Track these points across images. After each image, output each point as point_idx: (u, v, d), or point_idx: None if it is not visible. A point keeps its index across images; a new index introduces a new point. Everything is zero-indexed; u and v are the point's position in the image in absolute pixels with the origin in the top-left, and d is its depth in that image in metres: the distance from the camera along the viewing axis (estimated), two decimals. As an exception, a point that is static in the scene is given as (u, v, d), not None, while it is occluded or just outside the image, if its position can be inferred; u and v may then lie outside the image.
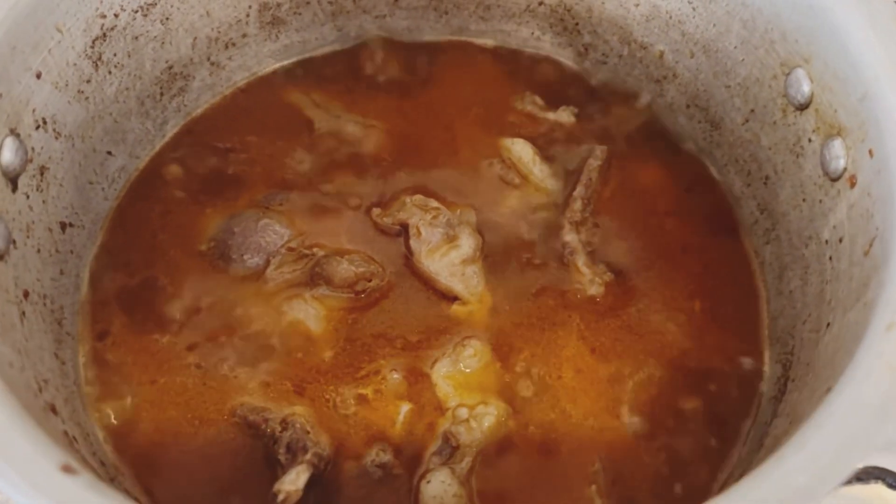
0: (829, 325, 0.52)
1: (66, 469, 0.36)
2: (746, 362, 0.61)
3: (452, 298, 0.63)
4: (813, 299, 0.56)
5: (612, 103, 0.74)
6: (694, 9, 0.66)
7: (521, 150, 0.70)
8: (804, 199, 0.59)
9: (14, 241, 0.53)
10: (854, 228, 0.52)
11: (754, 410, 0.59)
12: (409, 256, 0.64)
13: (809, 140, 0.58)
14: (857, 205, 0.51)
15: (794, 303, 0.59)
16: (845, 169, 0.53)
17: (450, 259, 0.64)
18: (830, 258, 0.55)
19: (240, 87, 0.74)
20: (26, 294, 0.54)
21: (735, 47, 0.64)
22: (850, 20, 0.53)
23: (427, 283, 0.64)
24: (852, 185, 0.52)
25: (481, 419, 0.58)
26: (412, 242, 0.64)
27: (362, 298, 0.63)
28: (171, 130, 0.71)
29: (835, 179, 0.55)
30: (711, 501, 0.37)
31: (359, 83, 0.75)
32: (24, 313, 0.52)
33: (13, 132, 0.54)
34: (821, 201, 0.57)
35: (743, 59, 0.63)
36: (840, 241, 0.53)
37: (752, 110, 0.64)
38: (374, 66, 0.76)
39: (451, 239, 0.64)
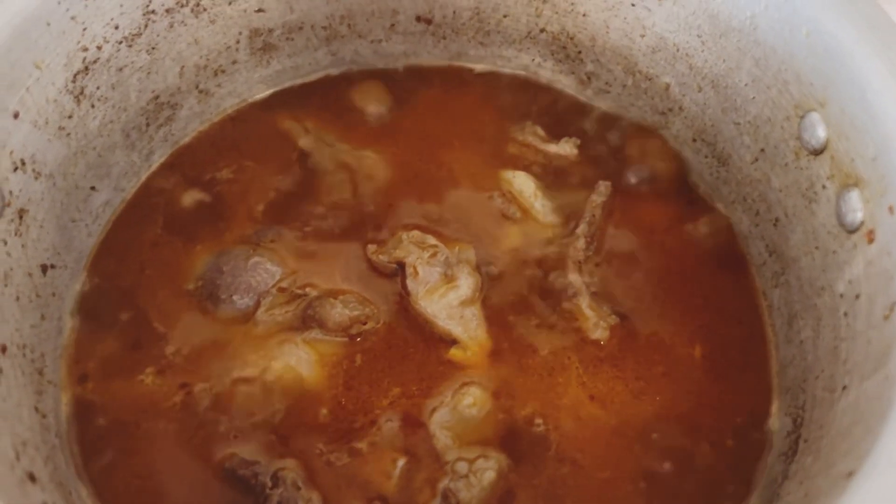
0: (845, 388, 0.50)
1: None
2: (755, 412, 0.59)
3: (451, 342, 0.61)
4: (826, 354, 0.54)
5: (615, 135, 0.72)
6: (703, 43, 0.63)
7: (522, 183, 0.67)
8: (817, 248, 0.57)
9: (-10, 295, 0.51)
10: (872, 287, 0.49)
11: (763, 465, 0.57)
12: (405, 297, 0.62)
13: (824, 187, 0.56)
14: (876, 262, 0.49)
15: (804, 353, 0.57)
16: (863, 223, 0.51)
17: (448, 300, 0.61)
18: (846, 314, 0.53)
19: (229, 115, 0.71)
20: (4, 349, 0.51)
21: (746, 84, 0.61)
22: (869, 67, 0.51)
23: (424, 326, 0.61)
24: (870, 240, 0.50)
25: (481, 474, 0.56)
26: (409, 282, 0.62)
27: (357, 342, 0.60)
28: (158, 161, 0.68)
29: (851, 232, 0.53)
30: None
31: (353, 110, 0.73)
32: (0, 371, 0.50)
33: (-10, 177, 0.51)
34: (835, 252, 0.55)
35: (754, 98, 0.61)
36: (857, 297, 0.51)
37: (763, 150, 0.62)
38: (369, 93, 0.74)
39: (449, 279, 0.62)
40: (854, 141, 0.52)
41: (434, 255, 0.62)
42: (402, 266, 0.63)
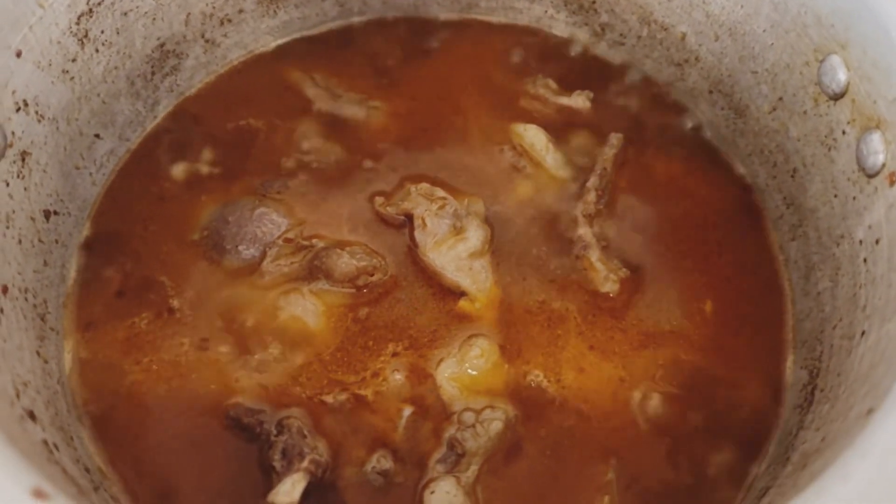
0: (864, 333, 0.48)
1: (38, 494, 0.33)
2: (769, 366, 0.58)
3: (459, 294, 0.59)
4: (844, 303, 0.53)
5: (630, 87, 0.70)
6: (720, -12, 0.62)
7: (533, 136, 0.66)
8: (836, 196, 0.55)
9: (-9, 234, 0.50)
10: (893, 230, 0.48)
11: (777, 419, 0.56)
12: (413, 249, 0.61)
13: (843, 132, 0.54)
14: (898, 205, 0.48)
15: (822, 305, 0.56)
16: (884, 165, 0.50)
17: (457, 252, 0.60)
18: (865, 260, 0.51)
19: (236, 66, 0.70)
20: (5, 289, 0.50)
21: (764, 31, 0.60)
22: (893, 3, 0.49)
23: (432, 278, 0.60)
24: (892, 182, 0.49)
25: (488, 424, 0.55)
26: (417, 234, 0.61)
27: (364, 294, 0.59)
28: (163, 111, 0.67)
29: (872, 176, 0.51)
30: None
31: (362, 62, 0.71)
32: (1, 310, 0.49)
33: (-9, 116, 0.51)
34: (855, 198, 0.53)
35: (772, 44, 0.59)
36: (877, 242, 0.50)
37: (781, 98, 0.60)
38: (378, 44, 0.72)
39: (458, 231, 0.61)
40: (876, 82, 0.50)
41: (442, 206, 0.61)
42: (409, 218, 0.62)
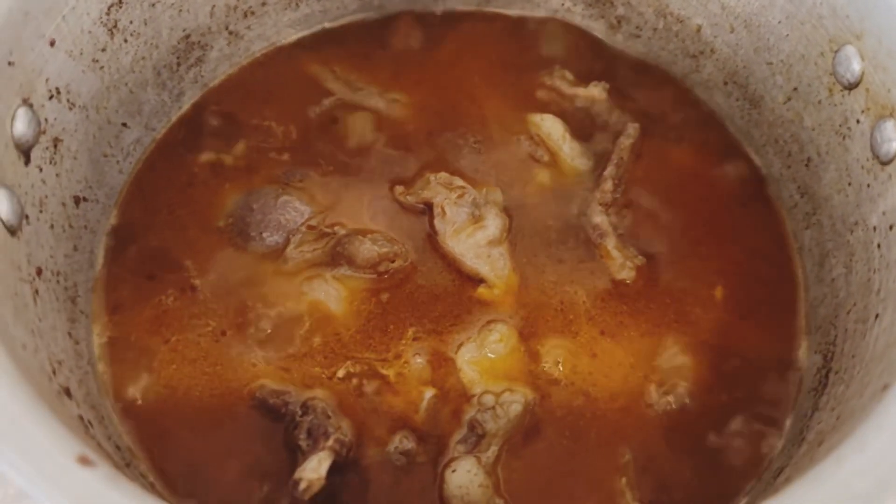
0: (877, 316, 0.49)
1: (83, 461, 0.34)
2: (783, 351, 0.59)
3: (478, 281, 0.61)
4: (858, 288, 0.54)
5: (646, 79, 0.71)
6: (736, -20, 0.63)
7: (550, 126, 0.67)
8: (849, 183, 0.56)
9: (27, 217, 0.51)
10: (908, 216, 0.49)
11: (791, 402, 0.57)
12: (433, 236, 0.62)
13: (858, 121, 0.55)
14: (911, 190, 0.49)
15: (836, 291, 0.57)
16: (898, 152, 0.51)
17: (475, 240, 0.61)
18: (879, 246, 0.52)
19: (258, 58, 0.71)
20: (39, 271, 0.52)
21: (779, 22, 0.61)
22: (908, -6, 0.50)
23: (452, 265, 0.61)
24: (906, 169, 0.50)
25: (508, 406, 0.56)
26: (437, 222, 0.62)
27: (385, 279, 0.60)
28: (188, 102, 0.68)
29: (886, 163, 0.52)
30: (770, 502, 0.35)
31: (381, 55, 0.73)
32: (37, 291, 0.51)
33: (26, 102, 0.52)
34: (869, 185, 0.54)
35: (787, 35, 0.60)
36: (890, 228, 0.51)
37: (795, 89, 0.61)
38: (398, 37, 0.73)
39: (476, 219, 0.62)
40: (891, 71, 0.51)
41: (461, 195, 0.62)
42: (429, 206, 0.63)
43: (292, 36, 0.72)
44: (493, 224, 0.62)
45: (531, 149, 0.67)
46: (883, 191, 0.52)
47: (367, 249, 0.60)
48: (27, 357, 0.43)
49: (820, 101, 0.59)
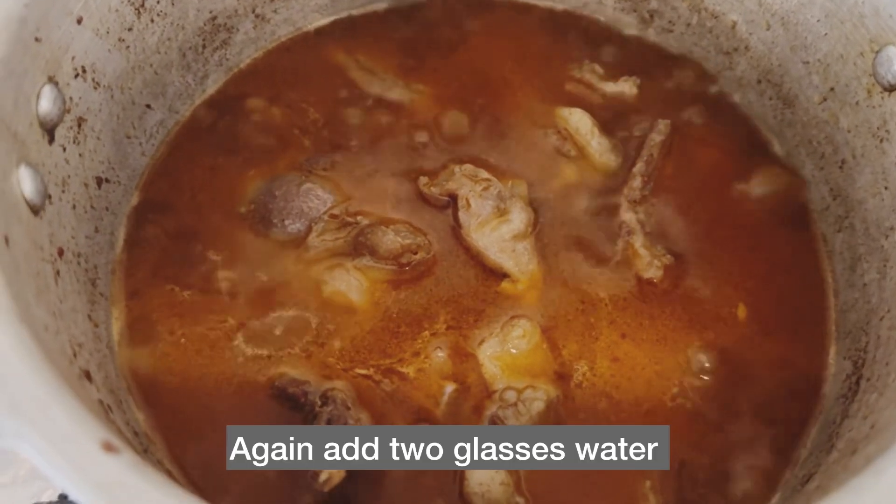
0: (914, 325, 0.48)
1: (108, 447, 0.33)
2: (810, 356, 0.58)
3: (501, 275, 0.60)
4: (893, 294, 0.53)
5: (677, 74, 0.70)
6: (775, -23, 0.62)
7: (578, 120, 0.66)
8: (886, 187, 0.55)
9: (49, 196, 0.51)
10: (948, 222, 0.48)
11: (818, 408, 0.56)
12: (456, 229, 0.61)
13: (898, 124, 0.54)
14: (954, 196, 0.48)
15: (868, 296, 0.56)
16: (940, 157, 0.49)
17: (500, 234, 0.61)
18: (916, 252, 0.51)
19: (284, 43, 0.71)
20: (61, 252, 0.51)
21: (818, 20, 0.59)
22: (956, -5, 0.49)
23: (475, 258, 0.60)
24: (948, 175, 0.49)
25: (530, 404, 0.55)
26: (461, 214, 0.61)
27: (407, 271, 0.60)
28: (213, 85, 0.68)
29: (926, 168, 0.51)
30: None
31: (408, 44, 0.72)
32: (58, 272, 0.50)
33: (52, 80, 0.51)
34: (907, 190, 0.53)
35: (826, 34, 0.59)
36: (929, 234, 0.50)
37: (832, 89, 0.60)
38: (425, 26, 0.72)
39: (501, 212, 0.61)
40: (934, 74, 0.50)
41: (487, 188, 0.62)
42: (454, 198, 0.62)
43: (319, 21, 0.71)
44: (519, 218, 0.61)
45: (559, 143, 0.66)
46: (922, 196, 0.51)
47: (389, 240, 0.59)
48: (49, 339, 0.43)
49: (857, 103, 0.58)
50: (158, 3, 0.60)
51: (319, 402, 0.54)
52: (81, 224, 0.55)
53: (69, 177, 0.54)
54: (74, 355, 0.46)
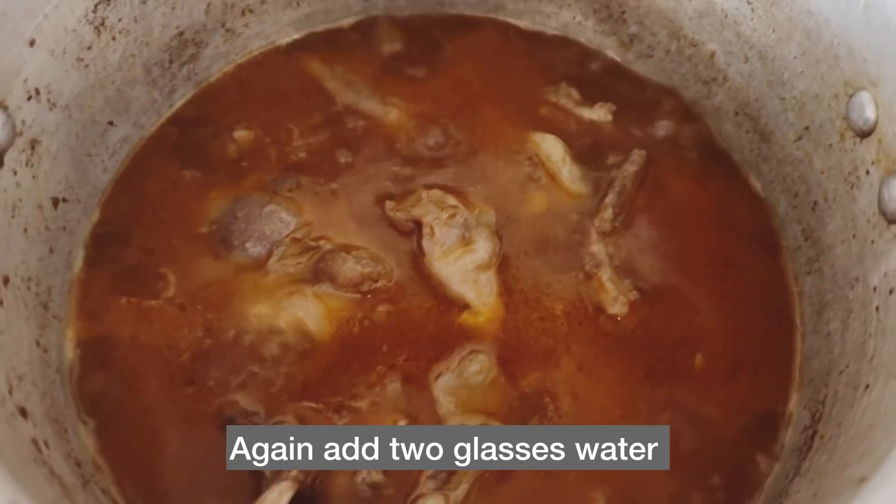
0: (868, 386, 0.47)
1: (12, 510, 0.33)
2: (773, 402, 0.57)
3: (463, 306, 0.59)
4: (853, 349, 0.51)
5: (654, 102, 0.68)
6: (753, 10, 0.60)
7: (550, 147, 0.64)
8: (854, 236, 0.54)
9: (-6, 224, 0.50)
10: (909, 283, 0.46)
11: (776, 454, 0.55)
12: (419, 256, 0.60)
13: (867, 172, 0.52)
14: (916, 257, 0.46)
15: (831, 346, 0.55)
16: (906, 214, 0.48)
17: (463, 264, 0.60)
18: (877, 308, 0.50)
19: (255, 57, 0.69)
20: (6, 280, 0.51)
21: (795, 57, 0.58)
22: (929, 45, 0.47)
23: (436, 287, 0.59)
24: (912, 233, 0.47)
25: (481, 444, 0.54)
26: (425, 242, 0.60)
27: (367, 299, 0.59)
28: (180, 100, 0.66)
29: (892, 222, 0.49)
30: None
31: (383, 57, 0.70)
32: (1, 302, 0.49)
33: (1, 105, 0.50)
34: (873, 242, 0.51)
35: (802, 72, 0.57)
36: (891, 292, 0.48)
37: (807, 128, 0.58)
38: (401, 40, 0.71)
39: (466, 242, 0.60)
40: (905, 125, 0.49)
41: (453, 216, 0.60)
42: (419, 224, 0.61)
43: (292, 35, 0.70)
44: (483, 248, 0.60)
45: (530, 169, 0.65)
46: (887, 250, 0.50)
47: (349, 269, 0.59)
48: (-22, 381, 0.42)
49: (831, 145, 0.56)
50: (120, 20, 0.59)
51: (267, 436, 0.53)
52: (34, 247, 0.55)
53: (20, 200, 0.53)
54: (10, 391, 0.46)
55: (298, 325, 0.58)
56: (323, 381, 0.56)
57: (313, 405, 0.55)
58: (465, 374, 0.57)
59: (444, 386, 0.56)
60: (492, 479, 0.54)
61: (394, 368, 0.56)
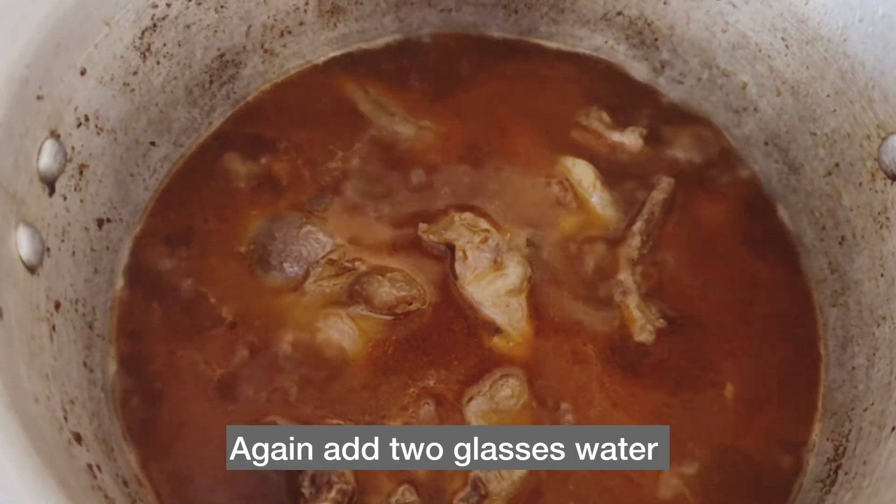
0: (894, 429, 0.48)
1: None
2: (796, 429, 0.58)
3: (494, 330, 0.60)
4: (878, 387, 0.53)
5: (685, 128, 0.69)
6: (787, 46, 0.61)
7: (582, 172, 0.66)
8: (882, 275, 0.55)
9: (48, 250, 0.51)
10: (937, 331, 0.48)
11: (799, 483, 0.57)
12: (452, 280, 0.61)
13: (898, 214, 0.54)
14: (945, 305, 0.47)
15: (855, 381, 0.56)
16: (935, 261, 0.49)
17: (495, 288, 0.61)
18: (905, 351, 0.51)
19: (292, 77, 0.70)
20: (58, 305, 0.52)
21: (828, 95, 0.59)
22: (964, 97, 0.48)
23: (468, 311, 0.61)
24: (941, 281, 0.48)
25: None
26: (458, 266, 0.61)
27: (401, 321, 0.60)
28: (219, 119, 0.68)
29: (922, 267, 0.51)
30: None
31: (415, 79, 0.71)
32: (54, 328, 0.51)
33: (53, 134, 0.52)
34: (902, 284, 0.53)
35: (835, 111, 0.58)
36: (919, 337, 0.50)
37: (837, 165, 0.59)
38: (434, 62, 0.72)
39: (498, 266, 0.61)
40: (938, 173, 0.50)
41: (485, 240, 0.62)
42: (451, 248, 0.62)
43: (329, 54, 0.71)
44: (515, 273, 0.61)
45: (560, 193, 0.66)
46: (915, 294, 0.51)
47: (385, 293, 0.60)
48: (39, 412, 0.44)
49: (861, 184, 0.57)
50: (165, 45, 0.60)
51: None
52: (80, 269, 0.56)
53: (69, 225, 0.55)
54: (65, 418, 0.48)
55: (334, 346, 0.59)
56: (357, 402, 0.57)
57: (350, 424, 0.57)
58: (496, 397, 0.58)
59: (475, 409, 0.58)
60: (521, 498, 0.56)
61: (427, 391, 0.58)
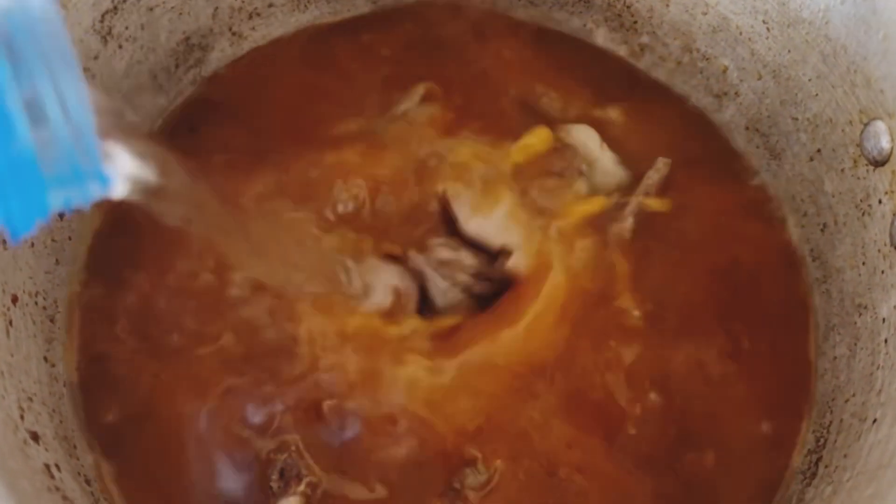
0: (875, 421, 0.47)
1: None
2: (789, 413, 0.56)
3: (507, 254, 0.58)
4: (860, 378, 0.52)
5: (667, 109, 0.68)
6: (768, 29, 0.59)
7: (585, 134, 0.63)
8: (864, 263, 0.54)
9: (3, 243, 0.49)
10: (921, 322, 0.47)
11: (780, 476, 0.55)
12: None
13: (880, 201, 0.52)
14: (927, 294, 0.46)
15: (837, 371, 0.55)
16: (918, 251, 0.48)
17: (496, 216, 0.59)
18: (886, 341, 0.50)
19: (260, 56, 0.68)
20: (14, 299, 0.50)
21: (809, 80, 0.57)
22: (949, 80, 0.47)
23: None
24: (924, 271, 0.47)
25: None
26: (454, 207, 0.59)
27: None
28: (180, 100, 0.65)
29: (904, 255, 0.49)
30: None
31: (387, 52, 0.69)
32: (10, 322, 0.49)
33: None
34: (883, 272, 0.51)
35: (816, 95, 0.57)
36: (901, 326, 0.49)
37: (819, 150, 0.58)
38: (405, 35, 0.70)
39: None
40: (921, 160, 0.48)
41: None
42: (443, 201, 0.60)
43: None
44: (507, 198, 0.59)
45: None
46: (898, 283, 0.50)
47: None
48: (-8, 412, 0.42)
49: (843, 170, 0.56)
50: (127, 28, 0.57)
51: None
52: (41, 261, 0.54)
53: (27, 215, 0.52)
54: (22, 417, 0.46)
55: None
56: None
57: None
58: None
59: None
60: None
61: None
